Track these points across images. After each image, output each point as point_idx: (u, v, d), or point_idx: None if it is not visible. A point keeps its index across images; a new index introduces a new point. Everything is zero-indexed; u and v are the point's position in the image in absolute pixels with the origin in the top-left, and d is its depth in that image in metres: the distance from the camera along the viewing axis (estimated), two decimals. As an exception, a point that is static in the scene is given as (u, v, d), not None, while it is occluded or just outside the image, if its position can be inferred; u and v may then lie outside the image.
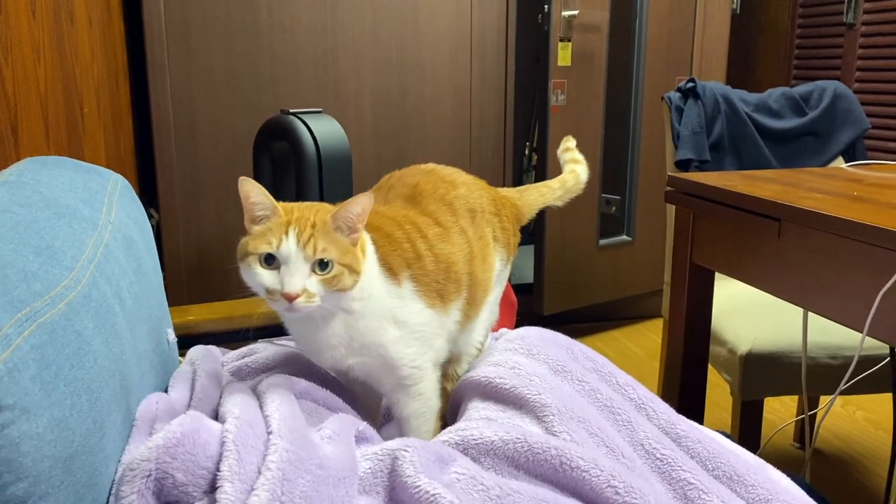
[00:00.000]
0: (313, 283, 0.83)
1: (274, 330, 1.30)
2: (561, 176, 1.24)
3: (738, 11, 3.03)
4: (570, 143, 1.29)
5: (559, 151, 1.30)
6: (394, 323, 0.92)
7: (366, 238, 0.90)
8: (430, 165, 1.09)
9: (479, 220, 1.05)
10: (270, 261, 0.83)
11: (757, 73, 3.63)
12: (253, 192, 0.86)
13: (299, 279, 0.82)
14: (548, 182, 1.22)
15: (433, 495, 0.70)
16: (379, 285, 0.91)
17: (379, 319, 0.91)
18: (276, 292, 0.82)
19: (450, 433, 0.87)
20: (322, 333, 0.89)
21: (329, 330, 0.89)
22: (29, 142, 1.27)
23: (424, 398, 0.97)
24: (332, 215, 0.85)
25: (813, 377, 1.53)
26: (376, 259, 0.91)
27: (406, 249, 0.94)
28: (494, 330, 1.21)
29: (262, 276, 0.83)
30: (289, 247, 0.82)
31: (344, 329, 0.90)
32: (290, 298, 0.81)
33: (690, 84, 1.91)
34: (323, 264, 0.83)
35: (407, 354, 0.94)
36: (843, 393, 1.29)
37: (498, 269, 1.10)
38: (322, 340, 0.90)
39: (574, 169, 1.24)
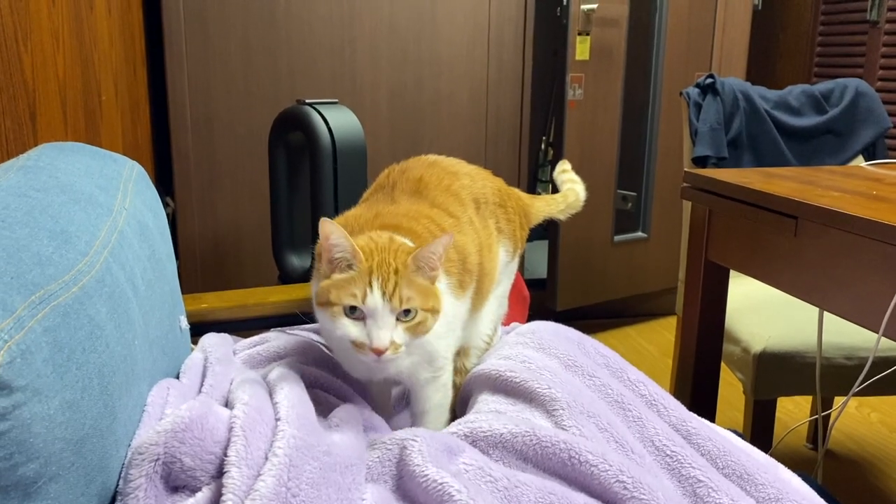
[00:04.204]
0: (399, 333, 0.82)
1: (287, 319, 1.30)
2: (562, 192, 1.27)
3: (759, 7, 3.00)
4: (565, 165, 1.33)
5: (556, 174, 1.33)
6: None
7: (407, 242, 0.90)
8: (431, 157, 1.09)
9: (483, 210, 1.05)
10: (354, 311, 0.82)
11: (778, 70, 3.59)
12: (334, 234, 0.83)
13: (387, 332, 0.81)
14: (553, 195, 1.26)
15: (441, 484, 0.70)
16: None
17: None
18: (365, 346, 0.81)
19: (459, 425, 0.87)
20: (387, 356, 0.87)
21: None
22: (47, 128, 1.28)
23: (446, 389, 0.98)
24: (412, 257, 0.83)
25: (827, 378, 1.51)
26: None
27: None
28: (506, 324, 1.21)
29: (349, 329, 0.82)
30: (374, 300, 0.81)
31: None
32: (379, 353, 0.81)
33: (709, 80, 1.89)
34: (407, 312, 0.82)
35: (443, 346, 0.94)
36: (857, 394, 1.28)
37: (504, 262, 1.10)
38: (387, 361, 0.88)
39: (573, 188, 1.28)
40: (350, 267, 0.83)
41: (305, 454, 0.70)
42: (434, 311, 0.85)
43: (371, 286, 0.81)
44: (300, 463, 0.68)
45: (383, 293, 0.81)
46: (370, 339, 0.81)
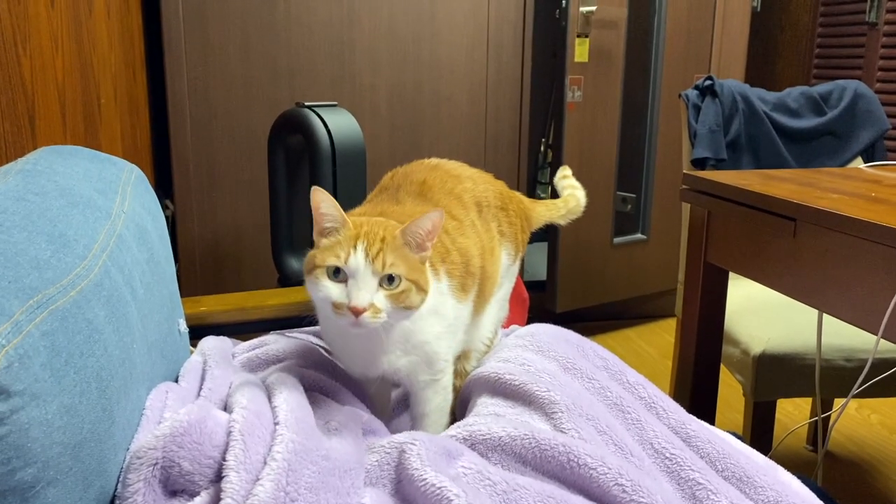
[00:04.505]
0: (380, 298, 0.82)
1: (286, 322, 1.30)
2: (563, 197, 1.27)
3: (758, 9, 3.00)
4: (566, 171, 1.33)
5: (556, 179, 1.33)
6: (437, 318, 0.93)
7: None
8: (434, 161, 1.10)
9: (485, 213, 1.06)
10: (338, 274, 0.82)
11: (777, 72, 3.60)
12: (324, 203, 0.84)
13: (367, 293, 0.81)
14: (554, 200, 1.26)
15: (439, 488, 0.70)
16: (428, 280, 0.91)
17: (429, 316, 0.91)
18: (343, 306, 0.81)
19: (458, 428, 0.87)
20: (377, 340, 0.88)
21: (388, 337, 0.88)
22: (46, 131, 1.28)
23: (446, 392, 0.98)
24: (401, 230, 0.84)
25: (827, 379, 1.51)
26: None
27: (436, 245, 0.94)
28: (505, 326, 1.21)
29: (329, 290, 0.82)
30: (357, 260, 0.81)
31: (400, 332, 0.90)
32: (357, 312, 0.80)
33: (708, 82, 1.90)
34: (391, 279, 0.82)
35: (443, 349, 0.94)
36: (857, 396, 1.28)
37: (506, 265, 1.10)
38: (378, 347, 0.89)
39: (574, 193, 1.28)
40: (338, 234, 0.84)
41: (304, 458, 0.69)
42: (419, 286, 0.84)
43: (355, 248, 0.81)
44: (299, 467, 0.68)
45: (366, 255, 0.81)
46: (349, 298, 0.80)
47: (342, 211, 0.85)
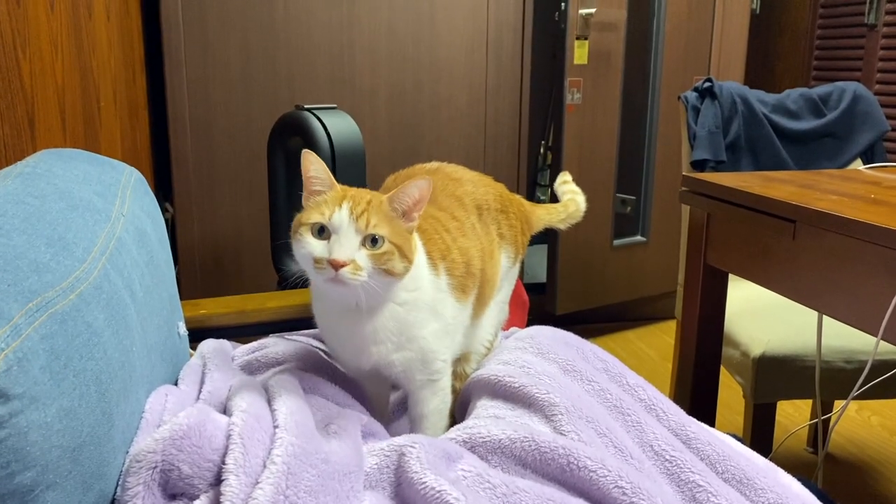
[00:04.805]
0: (362, 256, 0.82)
1: (285, 325, 1.30)
2: (563, 202, 1.28)
3: (757, 11, 3.00)
4: (566, 177, 1.33)
5: (556, 185, 1.34)
6: (434, 315, 0.93)
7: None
8: (435, 164, 1.10)
9: (485, 216, 1.06)
10: (322, 233, 0.83)
11: (776, 74, 3.60)
12: (313, 166, 0.86)
13: (349, 249, 0.81)
14: (554, 205, 1.26)
15: (439, 492, 0.70)
16: (425, 275, 0.91)
17: (425, 311, 0.91)
18: (323, 259, 0.82)
19: (458, 431, 0.87)
20: (369, 326, 0.88)
21: (378, 323, 0.89)
22: (45, 134, 1.28)
23: (444, 393, 0.97)
24: (388, 197, 0.85)
25: (827, 381, 1.51)
26: (423, 250, 0.92)
27: (437, 241, 0.95)
28: (505, 329, 1.21)
29: (312, 245, 0.83)
30: (341, 217, 0.82)
31: (393, 322, 0.89)
32: (337, 266, 0.80)
33: (707, 84, 1.90)
34: (374, 241, 0.83)
35: (440, 348, 0.94)
36: (858, 398, 1.28)
37: (506, 267, 1.10)
38: (369, 335, 0.89)
39: (574, 198, 1.28)
40: (325, 195, 0.86)
41: (304, 462, 0.69)
42: (402, 252, 0.84)
43: (340, 206, 0.83)
44: (298, 471, 0.68)
45: (351, 213, 0.82)
46: (330, 252, 0.81)
47: (331, 174, 0.86)
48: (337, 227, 0.82)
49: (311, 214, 0.84)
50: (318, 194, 0.86)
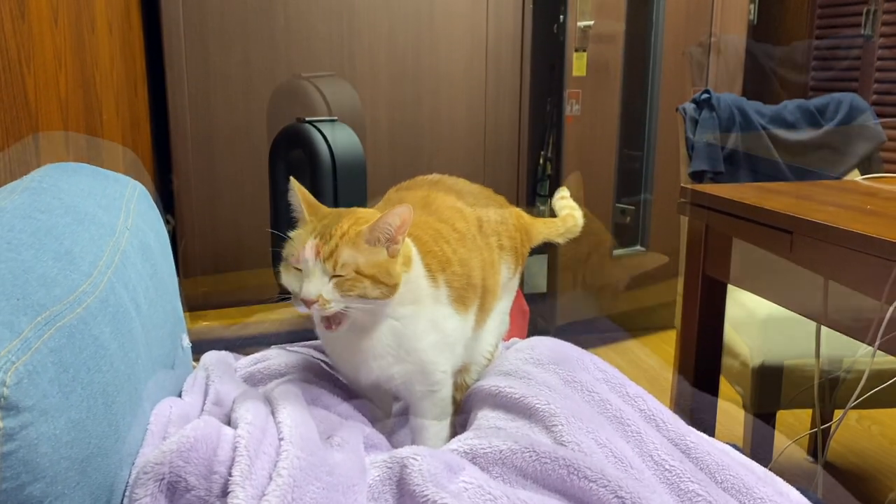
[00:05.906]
0: (329, 289, 0.84)
1: (287, 336, 1.31)
2: (562, 216, 1.29)
3: (755, 23, 3.02)
4: (564, 192, 1.34)
5: (554, 201, 1.35)
6: (433, 327, 0.93)
7: (409, 244, 0.92)
8: (435, 176, 1.11)
9: (485, 227, 1.07)
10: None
11: (774, 85, 3.61)
12: (293, 194, 0.90)
13: (315, 286, 0.83)
14: (552, 219, 1.28)
15: (441, 504, 0.71)
16: (424, 287, 0.92)
17: (424, 324, 0.92)
18: (297, 295, 0.85)
19: (459, 442, 0.88)
20: (367, 342, 0.90)
21: (376, 339, 0.90)
22: (49, 148, 1.29)
23: (445, 405, 0.98)
24: (369, 227, 0.86)
25: (826, 391, 1.51)
26: (421, 263, 0.93)
27: (437, 253, 0.96)
28: (506, 339, 1.22)
29: (290, 281, 0.86)
30: (306, 258, 0.84)
31: (391, 337, 0.91)
32: (308, 304, 0.84)
33: (705, 95, 1.91)
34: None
35: (440, 360, 0.95)
36: (857, 407, 1.28)
37: (506, 278, 1.11)
38: (368, 350, 0.91)
39: (572, 213, 1.29)
40: (301, 227, 0.89)
41: (309, 475, 0.70)
42: (376, 280, 0.85)
43: (306, 246, 0.85)
44: (304, 483, 0.69)
45: (317, 254, 0.84)
46: (300, 290, 0.84)
47: (307, 203, 0.90)
48: (303, 266, 0.85)
49: (289, 251, 0.87)
50: (298, 221, 0.90)
